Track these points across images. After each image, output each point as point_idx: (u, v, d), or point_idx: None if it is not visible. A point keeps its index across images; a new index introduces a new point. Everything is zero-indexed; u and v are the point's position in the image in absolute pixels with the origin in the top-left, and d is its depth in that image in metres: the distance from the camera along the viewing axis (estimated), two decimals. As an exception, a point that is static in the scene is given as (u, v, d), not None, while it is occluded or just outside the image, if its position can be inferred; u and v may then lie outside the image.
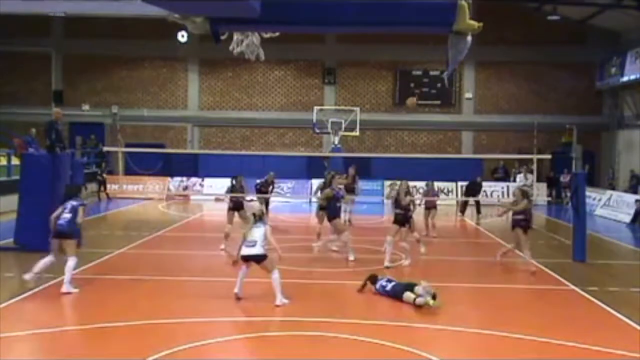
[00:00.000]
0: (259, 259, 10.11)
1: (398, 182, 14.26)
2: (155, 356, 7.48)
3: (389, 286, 10.58)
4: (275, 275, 10.11)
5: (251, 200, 17.70)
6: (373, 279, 10.97)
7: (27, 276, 10.71)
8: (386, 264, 12.97)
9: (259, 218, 10.42)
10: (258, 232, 10.15)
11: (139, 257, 14.30)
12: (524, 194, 13.53)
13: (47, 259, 10.84)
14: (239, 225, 14.70)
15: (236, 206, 15.10)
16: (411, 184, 24.71)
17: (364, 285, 10.98)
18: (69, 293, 10.55)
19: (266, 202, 18.87)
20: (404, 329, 9.09)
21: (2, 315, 9.18)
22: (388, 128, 30.82)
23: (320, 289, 11.61)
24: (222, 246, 14.61)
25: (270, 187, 18.80)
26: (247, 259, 10.18)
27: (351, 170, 19.70)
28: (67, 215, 10.96)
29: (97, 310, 9.72)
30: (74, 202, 11.19)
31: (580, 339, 8.49)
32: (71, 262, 10.77)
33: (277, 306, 9.90)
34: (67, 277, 10.70)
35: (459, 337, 8.90)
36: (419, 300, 9.90)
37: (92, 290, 10.93)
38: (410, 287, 10.25)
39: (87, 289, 10.98)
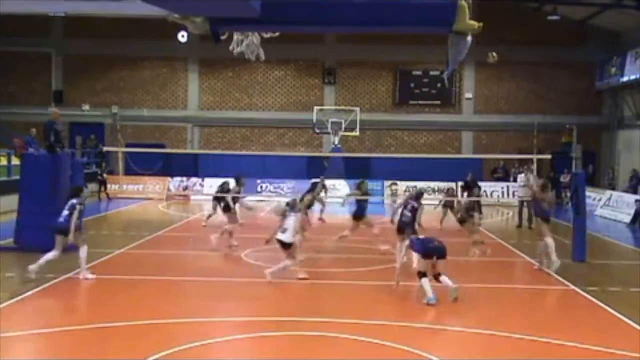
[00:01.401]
0: (285, 245, 11.45)
1: (398, 183, 14.33)
2: (156, 356, 7.48)
3: (420, 240, 10.75)
4: (287, 262, 11.47)
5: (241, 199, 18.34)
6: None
7: (32, 267, 11.24)
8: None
9: (291, 207, 11.64)
10: (290, 220, 11.46)
11: (139, 257, 14.30)
12: (545, 187, 14.00)
13: (51, 254, 11.32)
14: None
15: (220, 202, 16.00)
16: (411, 184, 25.07)
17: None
18: (86, 279, 11.40)
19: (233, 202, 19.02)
20: (404, 329, 9.09)
21: (2, 315, 9.17)
22: (388, 128, 30.79)
23: (321, 289, 11.62)
24: (234, 242, 15.12)
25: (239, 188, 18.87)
26: (279, 242, 11.52)
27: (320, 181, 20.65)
28: (65, 212, 11.49)
29: (97, 310, 9.72)
30: (74, 201, 11.65)
31: (580, 339, 8.49)
32: (82, 252, 11.53)
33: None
34: (82, 265, 11.53)
35: (459, 337, 8.90)
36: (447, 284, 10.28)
37: (92, 290, 10.95)
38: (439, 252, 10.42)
39: (87, 289, 11.01)
